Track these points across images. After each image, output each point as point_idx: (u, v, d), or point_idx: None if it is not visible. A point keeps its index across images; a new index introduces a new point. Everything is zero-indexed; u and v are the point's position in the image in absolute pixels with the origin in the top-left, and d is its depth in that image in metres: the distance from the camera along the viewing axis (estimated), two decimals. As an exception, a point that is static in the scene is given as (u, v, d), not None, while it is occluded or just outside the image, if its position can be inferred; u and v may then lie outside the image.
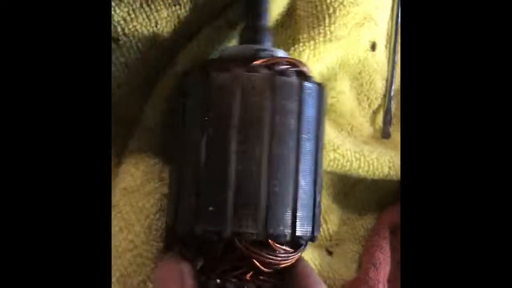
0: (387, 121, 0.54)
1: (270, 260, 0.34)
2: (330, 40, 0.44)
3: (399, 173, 0.48)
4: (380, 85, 0.53)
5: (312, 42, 0.44)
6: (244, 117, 0.34)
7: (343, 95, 0.50)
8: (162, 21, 0.40)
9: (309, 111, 0.36)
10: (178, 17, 0.41)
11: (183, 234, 0.35)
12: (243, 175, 0.33)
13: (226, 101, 0.34)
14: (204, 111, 0.35)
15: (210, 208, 0.33)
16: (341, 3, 0.43)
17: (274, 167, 0.34)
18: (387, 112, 0.54)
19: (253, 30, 0.39)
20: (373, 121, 0.54)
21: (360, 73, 0.52)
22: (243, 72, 0.34)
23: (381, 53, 0.53)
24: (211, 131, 0.34)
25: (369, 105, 0.53)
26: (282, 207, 0.34)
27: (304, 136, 0.35)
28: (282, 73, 0.35)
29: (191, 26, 0.42)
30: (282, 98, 0.35)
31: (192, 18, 0.42)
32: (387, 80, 0.54)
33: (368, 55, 0.51)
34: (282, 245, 0.34)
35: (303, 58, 0.44)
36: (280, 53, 0.38)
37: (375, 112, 0.54)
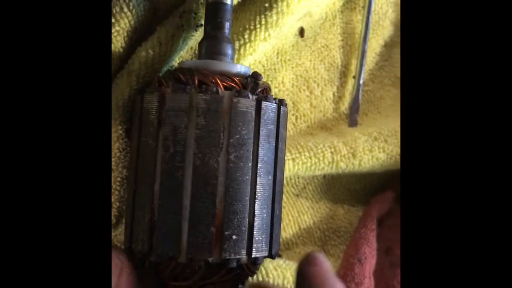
0: (354, 109, 0.54)
1: (228, 281, 0.35)
2: (270, 36, 0.44)
3: (345, 158, 0.49)
4: (327, 71, 0.53)
5: (254, 34, 0.43)
6: (200, 139, 0.33)
7: (282, 86, 0.50)
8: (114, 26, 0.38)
9: (267, 130, 0.35)
10: (130, 22, 0.39)
11: (138, 256, 0.35)
12: (198, 198, 0.33)
13: (182, 122, 0.34)
14: (159, 131, 0.34)
15: (164, 234, 0.33)
16: (288, 3, 0.43)
17: (230, 190, 0.34)
18: (355, 100, 0.54)
19: (212, 41, 0.38)
20: (336, 107, 0.54)
21: (300, 59, 0.51)
22: (199, 94, 0.34)
23: (320, 39, 0.53)
24: (166, 153, 0.34)
25: (321, 92, 0.53)
26: (238, 231, 0.34)
27: (261, 157, 0.35)
28: (239, 94, 0.34)
29: (144, 28, 0.40)
30: (240, 120, 0.34)
31: (146, 20, 0.40)
32: (355, 74, 0.54)
33: (298, 40, 0.51)
34: (239, 268, 0.35)
35: (247, 49, 0.43)
36: (238, 67, 0.37)
37: (339, 99, 0.54)
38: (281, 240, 0.50)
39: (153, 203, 0.34)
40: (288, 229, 0.51)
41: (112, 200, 0.39)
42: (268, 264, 0.44)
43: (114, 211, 0.39)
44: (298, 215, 0.52)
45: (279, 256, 0.48)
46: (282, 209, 0.49)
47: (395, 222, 0.55)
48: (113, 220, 0.40)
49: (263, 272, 0.44)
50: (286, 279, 0.44)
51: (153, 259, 0.34)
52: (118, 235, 0.41)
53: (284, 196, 0.51)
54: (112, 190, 0.39)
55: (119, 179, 0.39)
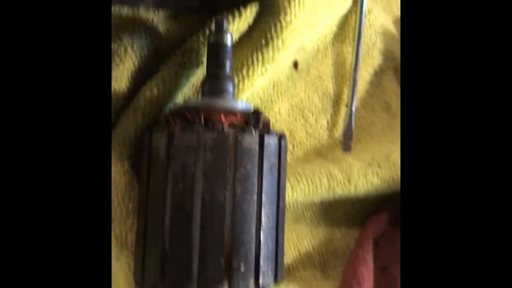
0: (348, 135, 0.57)
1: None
2: (266, 71, 0.46)
3: (341, 184, 0.51)
4: (321, 100, 0.56)
5: (251, 69, 0.45)
6: (208, 174, 0.35)
7: (279, 116, 0.53)
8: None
9: (270, 163, 0.38)
10: (133, 62, 0.41)
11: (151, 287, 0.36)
12: (207, 231, 0.35)
13: (190, 159, 0.35)
14: (169, 167, 0.36)
15: (175, 266, 0.35)
16: (283, 40, 0.46)
17: (237, 222, 0.35)
18: (348, 127, 0.56)
19: (214, 80, 0.40)
20: (331, 134, 0.56)
21: (294, 90, 0.54)
22: (207, 132, 0.35)
23: (313, 70, 0.55)
24: (176, 188, 0.35)
25: (316, 120, 0.55)
26: (246, 261, 0.36)
27: (265, 189, 0.37)
28: (243, 131, 0.36)
29: (148, 68, 0.42)
30: (244, 156, 0.36)
31: (149, 60, 0.42)
32: (347, 102, 0.57)
33: (292, 72, 0.53)
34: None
35: (246, 83, 0.46)
36: (240, 104, 0.39)
37: (333, 126, 0.56)
38: (282, 265, 0.52)
39: (164, 236, 0.35)
40: (288, 254, 0.52)
41: (117, 231, 0.40)
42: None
43: (118, 243, 0.40)
44: (298, 240, 0.53)
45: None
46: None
47: (390, 242, 0.57)
48: (116, 252, 0.41)
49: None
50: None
51: None
52: (121, 266, 0.42)
53: (284, 223, 0.53)
54: (118, 222, 0.40)
55: (124, 211, 0.41)
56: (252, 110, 0.39)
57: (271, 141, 0.38)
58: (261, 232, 0.36)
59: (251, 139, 0.36)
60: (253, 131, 0.37)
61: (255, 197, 0.36)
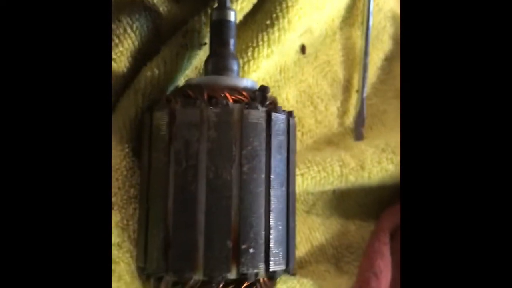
0: (359, 123, 0.54)
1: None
2: (272, 53, 0.44)
3: (354, 171, 0.48)
4: (330, 86, 0.53)
5: (257, 51, 0.43)
6: (212, 152, 0.33)
7: (287, 103, 0.50)
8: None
9: (278, 140, 0.35)
10: (133, 43, 0.39)
11: (153, 276, 0.34)
12: (212, 212, 0.33)
13: (193, 136, 0.33)
14: (171, 146, 0.34)
15: (180, 250, 0.32)
16: (289, 20, 0.44)
17: (244, 202, 0.33)
18: (359, 114, 0.54)
19: (218, 58, 0.38)
20: (342, 122, 0.54)
21: (302, 75, 0.51)
22: (210, 107, 0.33)
23: (321, 55, 0.53)
24: (178, 167, 0.33)
25: (326, 107, 0.53)
26: (255, 244, 0.33)
27: (274, 168, 0.35)
28: (249, 106, 0.34)
29: (148, 48, 0.41)
30: (251, 132, 0.34)
31: (149, 41, 0.41)
32: (357, 88, 0.54)
33: (300, 57, 0.51)
34: (256, 283, 0.34)
35: (251, 66, 0.44)
36: (246, 82, 0.37)
37: (344, 113, 0.54)
38: (294, 258, 0.49)
39: (167, 219, 0.33)
40: (300, 247, 0.50)
41: (118, 218, 0.38)
42: (282, 285, 0.43)
43: (119, 230, 0.38)
44: (310, 232, 0.51)
45: (293, 275, 0.48)
46: (294, 226, 0.49)
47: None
48: (117, 239, 0.38)
49: (277, 295, 0.43)
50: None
51: (170, 277, 0.33)
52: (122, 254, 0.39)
53: (294, 213, 0.50)
54: (119, 209, 0.38)
55: (125, 197, 0.38)
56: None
57: (279, 117, 0.35)
58: (271, 214, 0.34)
59: (257, 114, 0.34)
60: (260, 107, 0.35)
61: (263, 176, 0.34)
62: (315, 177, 0.47)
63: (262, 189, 0.34)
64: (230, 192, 0.33)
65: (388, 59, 0.58)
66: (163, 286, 0.34)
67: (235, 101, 0.35)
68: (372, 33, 0.56)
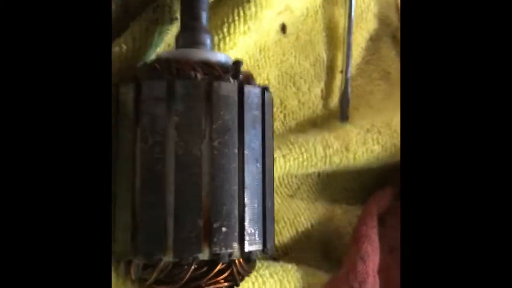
0: (344, 103, 0.52)
1: (220, 282, 0.32)
2: (249, 29, 0.42)
3: (338, 152, 0.47)
4: (313, 66, 0.52)
5: (233, 27, 0.42)
6: (181, 126, 0.31)
7: (268, 83, 0.48)
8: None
9: (252, 115, 0.34)
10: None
11: (123, 260, 0.32)
12: (182, 191, 0.31)
13: (160, 111, 0.32)
14: (137, 123, 0.32)
15: (148, 232, 0.31)
16: None
17: (216, 179, 0.31)
18: (344, 94, 0.52)
19: (189, 32, 0.36)
20: (326, 104, 0.52)
21: (284, 56, 0.50)
22: (177, 80, 0.32)
23: (303, 35, 0.51)
24: (145, 145, 0.31)
25: (309, 89, 0.51)
26: (228, 223, 0.31)
27: (247, 143, 0.33)
28: (220, 79, 0.32)
29: (117, 25, 0.39)
30: (222, 105, 0.32)
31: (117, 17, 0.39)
32: (341, 68, 0.53)
33: (281, 37, 0.49)
34: (232, 265, 0.32)
35: (227, 42, 0.42)
36: (219, 56, 0.35)
37: (328, 95, 0.52)
38: (277, 244, 0.47)
39: (134, 200, 0.31)
40: (284, 233, 0.48)
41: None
42: (265, 271, 0.41)
43: None
44: (294, 217, 0.49)
45: (275, 259, 0.46)
46: (277, 212, 0.47)
47: (398, 221, 0.53)
48: None
49: (260, 280, 0.41)
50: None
51: (138, 260, 0.31)
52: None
53: (278, 198, 0.48)
54: None
55: None
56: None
57: (252, 91, 0.34)
58: (245, 191, 0.32)
59: (228, 87, 0.32)
60: (231, 79, 0.33)
61: (235, 151, 0.32)
62: (297, 158, 0.45)
63: (235, 165, 0.32)
64: (200, 168, 0.31)
65: (373, 39, 0.56)
66: (133, 269, 0.32)
67: (206, 74, 0.33)
68: (356, 11, 0.54)
